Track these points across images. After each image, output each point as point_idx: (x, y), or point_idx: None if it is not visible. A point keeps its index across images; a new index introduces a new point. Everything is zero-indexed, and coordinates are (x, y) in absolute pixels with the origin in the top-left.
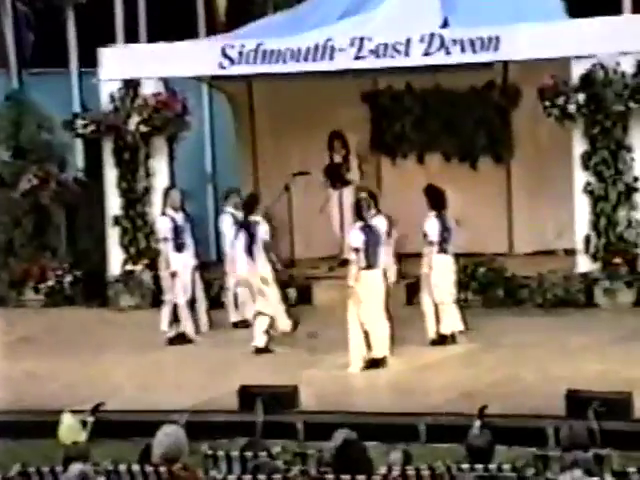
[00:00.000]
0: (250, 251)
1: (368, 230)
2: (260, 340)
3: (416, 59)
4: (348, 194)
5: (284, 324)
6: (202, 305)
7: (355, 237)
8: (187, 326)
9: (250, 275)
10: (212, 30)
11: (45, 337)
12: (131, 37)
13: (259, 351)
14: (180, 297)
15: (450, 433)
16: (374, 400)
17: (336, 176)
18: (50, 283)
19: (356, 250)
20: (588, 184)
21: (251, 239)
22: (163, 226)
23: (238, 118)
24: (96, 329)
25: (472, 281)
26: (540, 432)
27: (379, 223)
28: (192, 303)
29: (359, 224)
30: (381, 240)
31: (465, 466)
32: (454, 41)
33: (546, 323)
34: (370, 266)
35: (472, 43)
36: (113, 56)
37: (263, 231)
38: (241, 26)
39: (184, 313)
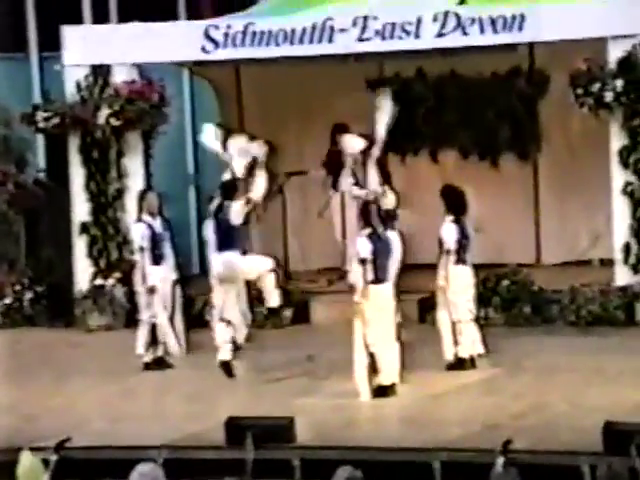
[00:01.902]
0: (224, 243)
1: (377, 238)
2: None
3: (428, 41)
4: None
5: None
6: (179, 325)
7: (362, 246)
8: (171, 345)
9: (228, 273)
10: (195, 11)
11: (1, 363)
12: (100, 17)
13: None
14: (160, 315)
15: (469, 471)
16: (381, 433)
17: (338, 175)
18: (7, 300)
19: (363, 261)
20: (628, 184)
21: (226, 228)
22: (138, 234)
23: (224, 109)
24: (61, 353)
25: (494, 296)
26: (574, 471)
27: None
28: (171, 321)
29: (366, 231)
30: (391, 250)
31: None
32: (472, 20)
33: (579, 344)
34: (379, 280)
35: (493, 22)
36: (79, 38)
37: (234, 211)
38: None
39: (165, 332)
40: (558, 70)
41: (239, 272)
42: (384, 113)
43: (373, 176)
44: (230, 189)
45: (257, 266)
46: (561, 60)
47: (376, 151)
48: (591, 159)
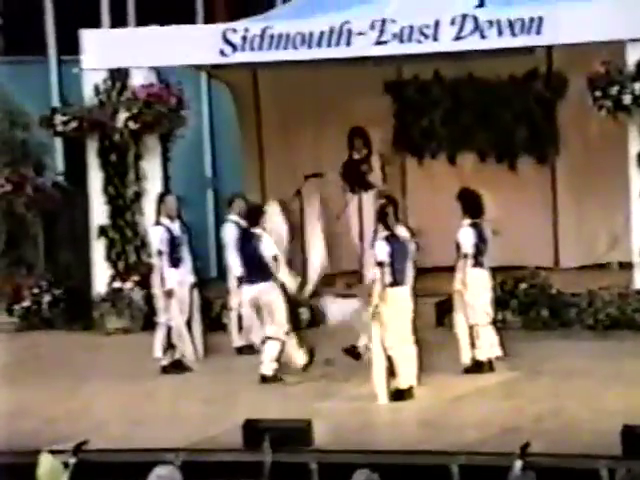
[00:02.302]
0: (253, 268)
1: (394, 241)
2: (268, 368)
3: (446, 44)
4: (369, 199)
5: (298, 356)
6: (197, 328)
7: (380, 249)
8: (186, 350)
9: (257, 295)
10: (211, 15)
11: (20, 366)
12: (118, 20)
13: (266, 380)
14: (177, 318)
15: (488, 475)
16: (399, 436)
17: (356, 178)
18: (26, 303)
19: (380, 264)
20: None
21: (255, 253)
22: (157, 238)
23: (242, 113)
24: (79, 356)
25: (512, 299)
26: (592, 474)
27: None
28: (189, 325)
29: (384, 234)
30: (409, 253)
31: None
32: (490, 23)
33: (598, 348)
34: (397, 283)
35: (511, 25)
36: (97, 42)
37: (267, 245)
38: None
39: (182, 336)
40: (576, 73)
41: (271, 301)
42: None
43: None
44: (256, 215)
45: (280, 318)
46: (579, 63)
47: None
48: (609, 162)
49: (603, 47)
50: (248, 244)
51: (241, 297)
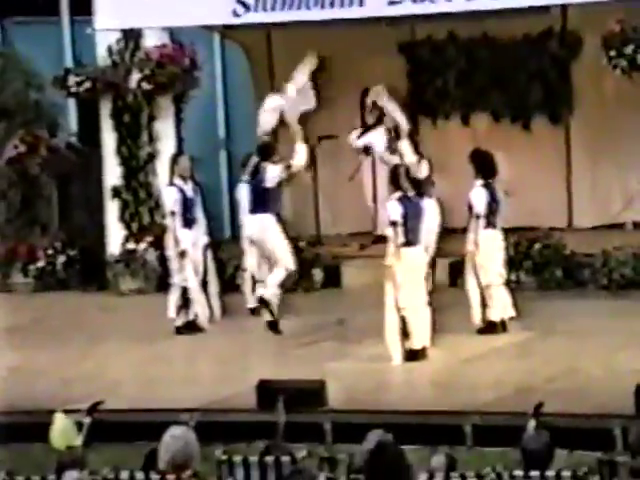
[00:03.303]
0: (257, 200)
1: (407, 202)
2: (268, 291)
3: (460, 4)
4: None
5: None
6: (214, 289)
7: (393, 209)
8: (199, 312)
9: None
10: None
11: (35, 326)
12: None
13: (262, 302)
14: (191, 279)
15: (501, 435)
16: (412, 397)
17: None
18: (40, 264)
19: (394, 224)
20: None
21: (262, 190)
22: (170, 198)
23: (255, 74)
24: (93, 316)
25: (525, 260)
26: (606, 434)
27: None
28: (204, 286)
29: (397, 194)
30: (423, 213)
31: (519, 473)
32: None
33: (611, 307)
34: (410, 243)
35: None
36: (110, 2)
37: (271, 175)
38: None
39: (196, 297)
40: (591, 32)
41: (271, 236)
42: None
43: (406, 146)
44: (267, 151)
45: (283, 255)
46: (594, 22)
47: (406, 125)
48: (624, 121)
49: (618, 6)
50: (256, 176)
51: (253, 256)
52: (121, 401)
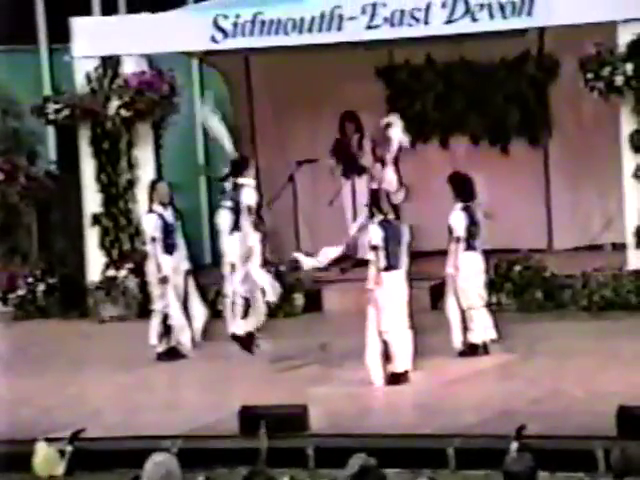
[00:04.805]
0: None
1: (388, 225)
2: (238, 326)
3: (437, 28)
4: (362, 184)
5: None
6: (200, 314)
7: (374, 233)
8: (182, 338)
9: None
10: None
11: (15, 355)
12: (109, 8)
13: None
14: (173, 305)
15: (484, 457)
16: (395, 421)
17: (348, 163)
18: (21, 292)
19: (375, 248)
20: (639, 168)
21: (237, 207)
22: (150, 225)
23: (234, 99)
24: (74, 344)
25: (506, 282)
26: (588, 455)
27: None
28: (185, 311)
29: (377, 218)
30: (403, 237)
31: None
32: (481, 6)
33: (592, 328)
34: (391, 267)
35: (502, 8)
36: (88, 29)
37: (248, 195)
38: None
39: (178, 323)
40: (568, 54)
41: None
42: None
43: (391, 174)
44: (238, 166)
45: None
46: (571, 44)
47: (394, 151)
48: (602, 143)
49: (594, 28)
50: (232, 194)
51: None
52: (103, 429)
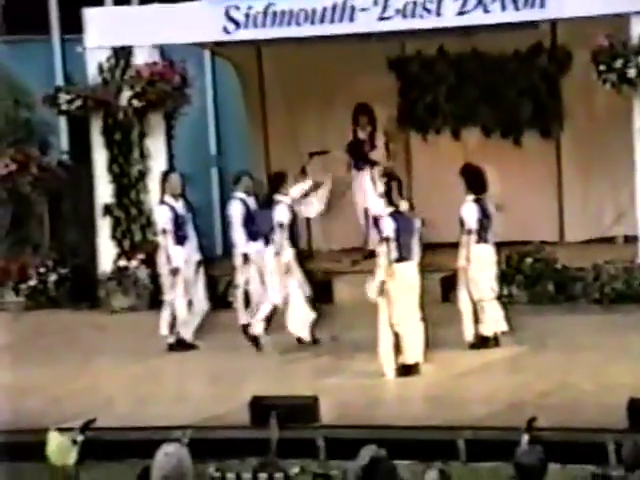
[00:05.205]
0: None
1: (399, 217)
2: (258, 327)
3: (449, 19)
4: (374, 176)
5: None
6: (200, 309)
7: (385, 225)
8: (184, 331)
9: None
10: None
11: (26, 345)
12: None
13: (250, 337)
14: (179, 298)
15: (494, 450)
16: (406, 412)
17: (360, 156)
18: (32, 283)
19: (386, 240)
20: None
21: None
22: (162, 216)
23: (246, 90)
24: (85, 334)
25: (517, 274)
26: (599, 448)
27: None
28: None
29: (389, 210)
30: (415, 228)
31: None
32: None
33: (604, 322)
34: (403, 258)
35: (514, 0)
36: (100, 20)
37: (280, 212)
38: None
39: (182, 316)
40: (580, 47)
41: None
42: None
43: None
44: (276, 181)
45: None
46: (583, 37)
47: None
48: (614, 136)
49: (607, 20)
50: (267, 207)
51: (247, 274)
52: (114, 419)
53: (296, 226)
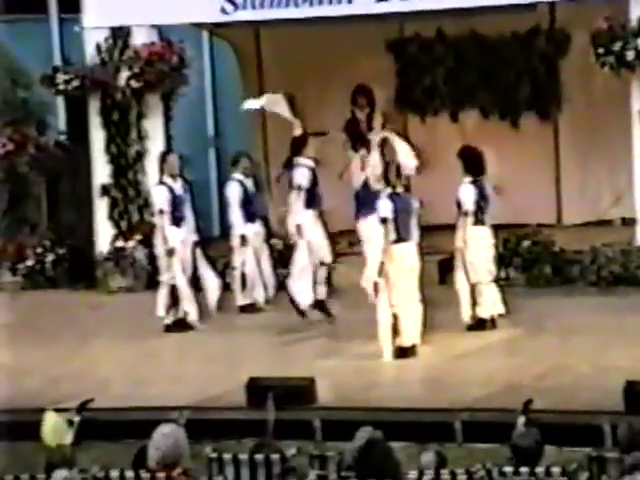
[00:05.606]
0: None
1: (397, 198)
2: (321, 290)
3: (448, 1)
4: (372, 157)
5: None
6: (214, 286)
7: (383, 206)
8: (189, 309)
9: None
10: None
11: (23, 325)
12: None
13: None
14: (179, 277)
15: (490, 431)
16: (402, 394)
17: (358, 136)
18: (29, 263)
19: (384, 221)
20: None
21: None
22: (159, 196)
23: (244, 71)
24: (82, 315)
25: (514, 257)
26: (595, 430)
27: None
28: (196, 283)
29: (387, 191)
30: (412, 209)
31: (508, 469)
32: None
33: (600, 304)
34: (401, 239)
35: None
36: (99, 0)
37: (299, 175)
38: None
39: (184, 295)
40: (579, 29)
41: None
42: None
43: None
44: (297, 144)
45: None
46: (582, 19)
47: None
48: (612, 118)
49: (606, 3)
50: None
51: (244, 255)
52: (111, 399)
53: (318, 188)
